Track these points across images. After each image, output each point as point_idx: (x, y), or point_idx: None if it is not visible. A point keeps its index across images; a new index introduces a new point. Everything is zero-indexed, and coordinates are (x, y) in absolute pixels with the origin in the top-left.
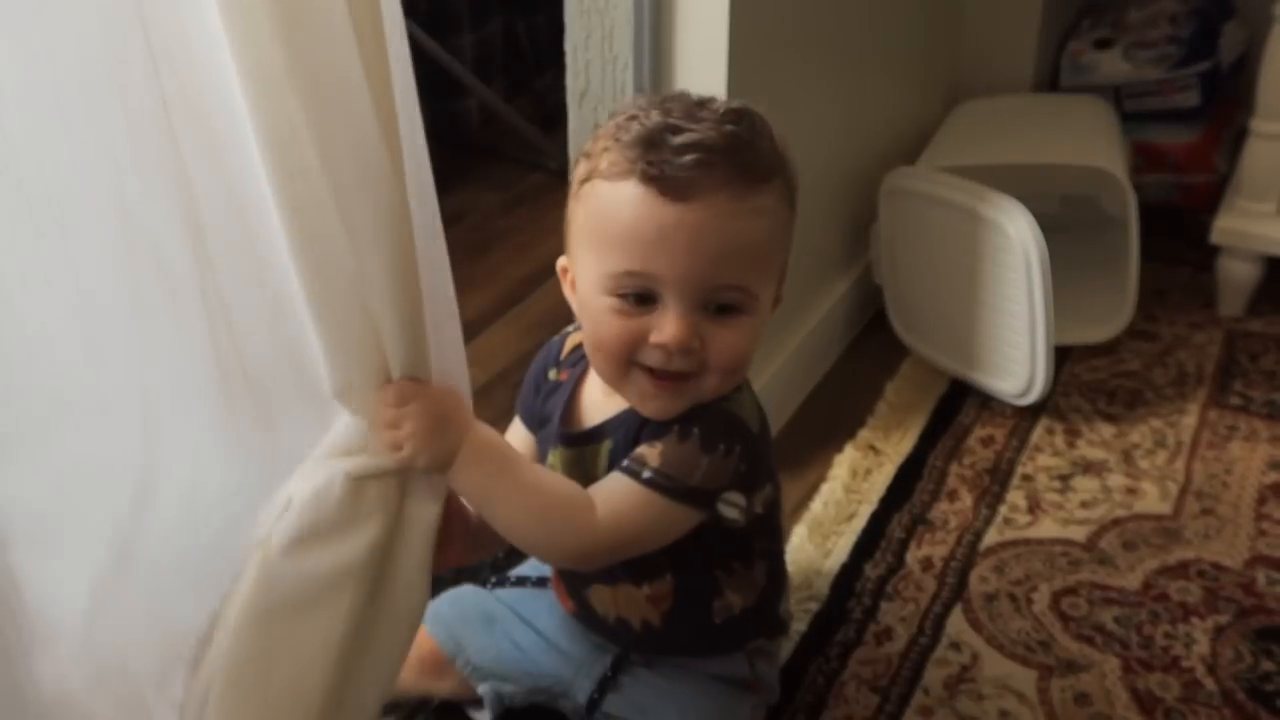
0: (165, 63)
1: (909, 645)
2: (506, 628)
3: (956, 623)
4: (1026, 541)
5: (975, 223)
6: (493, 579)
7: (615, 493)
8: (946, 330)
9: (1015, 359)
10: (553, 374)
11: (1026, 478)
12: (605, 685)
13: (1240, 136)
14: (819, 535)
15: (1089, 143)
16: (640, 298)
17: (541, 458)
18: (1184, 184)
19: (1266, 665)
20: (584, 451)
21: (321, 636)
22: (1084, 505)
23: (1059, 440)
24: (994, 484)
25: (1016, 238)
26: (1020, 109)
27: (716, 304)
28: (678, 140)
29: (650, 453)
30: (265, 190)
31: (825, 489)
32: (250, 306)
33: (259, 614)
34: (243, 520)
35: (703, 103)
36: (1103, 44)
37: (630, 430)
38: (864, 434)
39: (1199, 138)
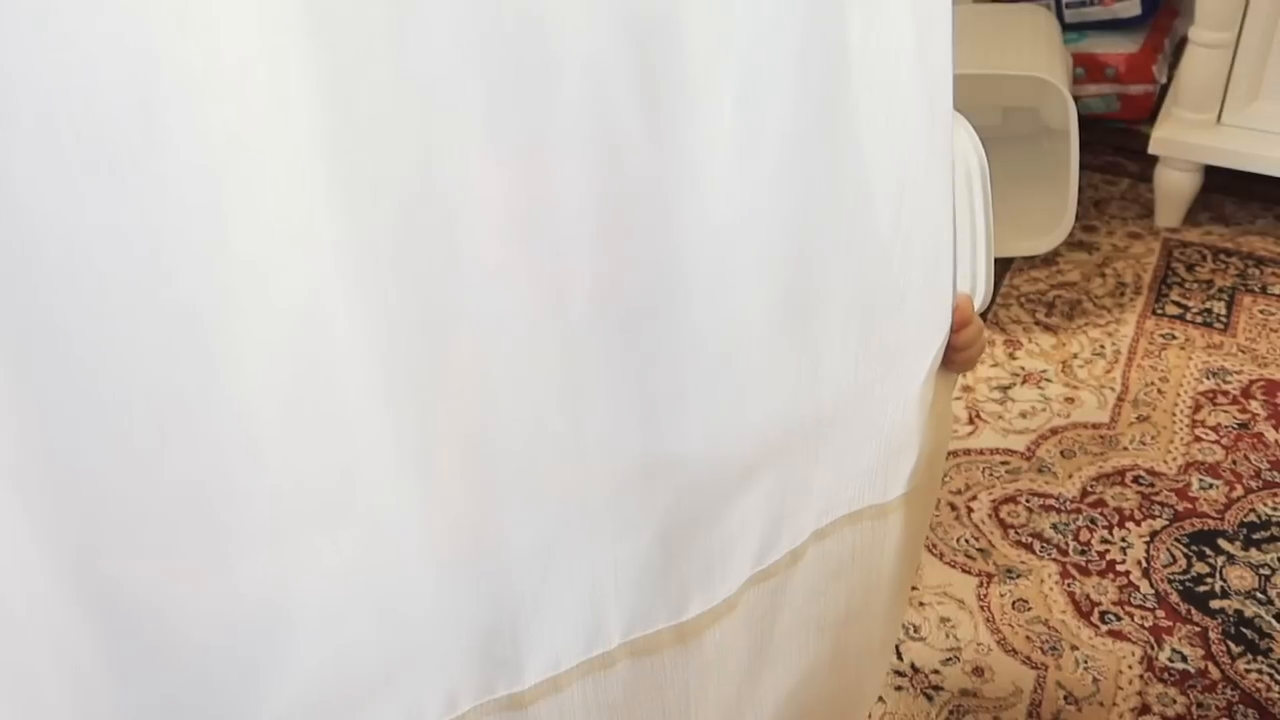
0: None
1: None
2: None
3: None
4: (967, 451)
5: None
6: None
7: None
8: None
9: (956, 270)
10: None
11: (967, 388)
12: None
13: (1180, 46)
14: None
15: (1030, 53)
16: None
17: None
18: (1124, 95)
19: (1199, 567)
20: None
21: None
22: (1023, 415)
23: (999, 351)
24: None
25: (957, 149)
26: (962, 19)
27: None
28: None
29: None
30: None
31: None
32: None
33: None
34: None
35: None
36: None
37: None
38: None
39: (1139, 48)
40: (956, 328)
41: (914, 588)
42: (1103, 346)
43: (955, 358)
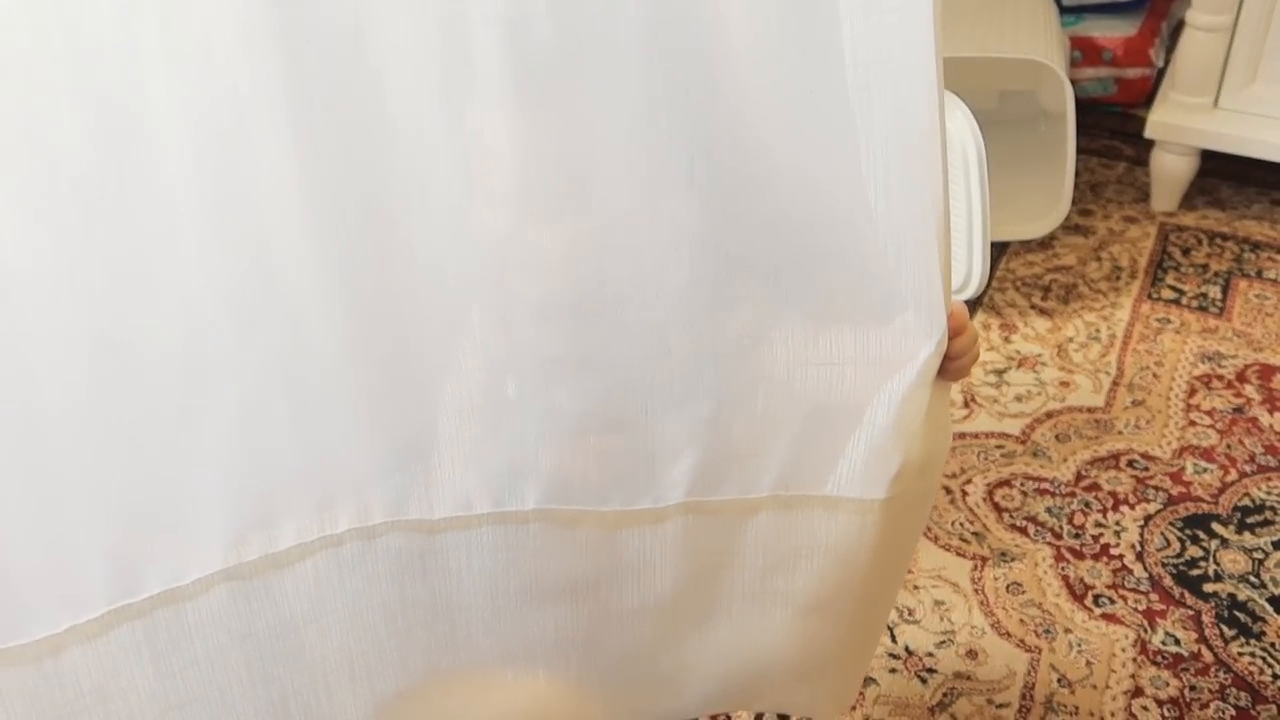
0: None
1: None
2: None
3: None
4: (962, 435)
5: None
6: None
7: None
8: None
9: (953, 254)
10: None
11: None
12: None
13: (1177, 30)
14: None
15: (1027, 36)
16: None
17: None
18: (1121, 78)
19: (1193, 551)
20: None
21: None
22: (1018, 399)
23: (995, 335)
24: None
25: (954, 132)
26: (959, 1)
27: None
28: None
29: None
30: None
31: None
32: None
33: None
34: None
35: None
36: None
37: None
38: None
39: (1136, 31)
40: (951, 335)
41: (908, 571)
42: (1098, 330)
43: (948, 366)
